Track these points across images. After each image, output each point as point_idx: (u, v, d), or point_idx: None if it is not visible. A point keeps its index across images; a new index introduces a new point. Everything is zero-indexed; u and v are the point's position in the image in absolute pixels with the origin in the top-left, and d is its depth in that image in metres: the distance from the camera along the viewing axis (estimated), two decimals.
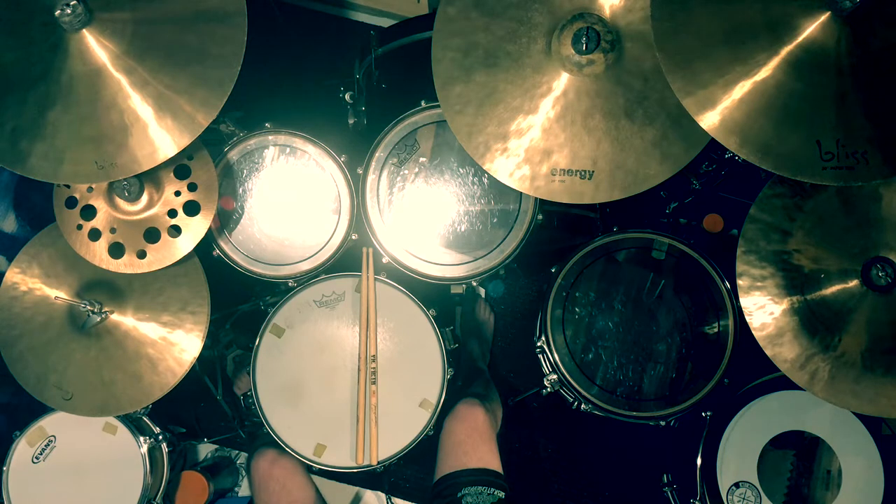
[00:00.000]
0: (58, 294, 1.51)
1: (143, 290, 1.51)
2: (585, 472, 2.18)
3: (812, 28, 1.12)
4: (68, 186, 1.45)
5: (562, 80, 1.30)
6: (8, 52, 1.26)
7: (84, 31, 1.24)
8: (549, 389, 1.65)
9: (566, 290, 1.61)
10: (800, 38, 1.13)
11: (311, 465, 1.58)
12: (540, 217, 1.56)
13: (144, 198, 1.45)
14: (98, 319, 1.48)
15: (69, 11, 1.20)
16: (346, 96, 1.89)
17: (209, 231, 1.49)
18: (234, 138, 1.60)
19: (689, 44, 1.16)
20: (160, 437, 1.71)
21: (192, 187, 1.46)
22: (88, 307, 1.45)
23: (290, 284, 1.61)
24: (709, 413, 1.65)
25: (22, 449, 1.64)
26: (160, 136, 1.28)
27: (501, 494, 1.44)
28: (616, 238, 1.62)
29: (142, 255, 1.44)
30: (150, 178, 1.44)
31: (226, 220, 1.60)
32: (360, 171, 1.58)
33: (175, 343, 1.49)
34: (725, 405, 1.64)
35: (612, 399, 1.57)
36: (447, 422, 1.58)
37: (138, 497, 1.64)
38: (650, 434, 1.65)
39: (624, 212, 1.93)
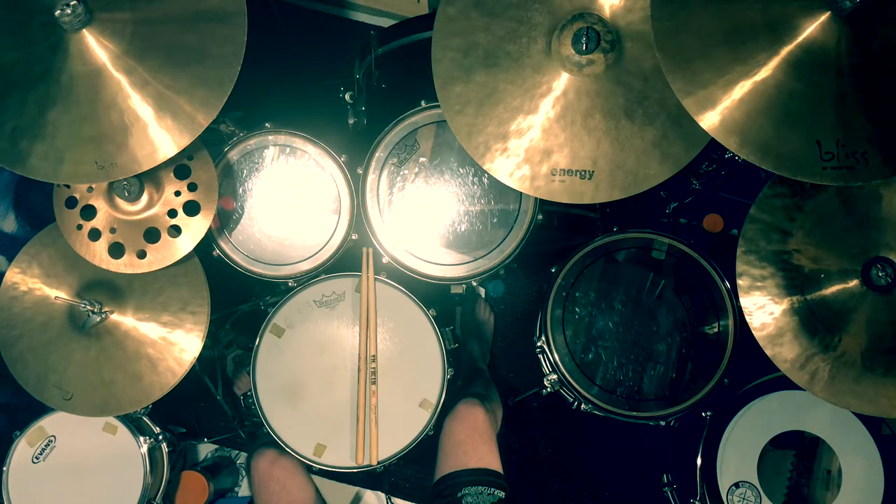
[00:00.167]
0: (58, 294, 1.51)
1: (143, 290, 1.51)
2: (585, 472, 2.18)
3: (812, 28, 1.12)
4: (68, 186, 1.45)
5: (562, 80, 1.30)
6: (8, 52, 1.26)
7: (84, 31, 1.24)
8: (549, 389, 1.65)
9: (566, 290, 1.61)
10: (800, 38, 1.13)
11: (311, 465, 1.58)
12: (540, 217, 1.56)
13: (144, 198, 1.45)
14: (98, 319, 1.48)
15: (69, 11, 1.20)
16: (346, 96, 1.89)
17: (209, 231, 1.49)
18: (234, 138, 1.60)
19: (689, 44, 1.16)
20: (160, 437, 1.71)
21: (192, 187, 1.46)
22: (88, 307, 1.45)
23: (290, 284, 1.61)
24: (709, 413, 1.65)
25: (22, 449, 1.64)
26: (160, 136, 1.28)
27: (501, 494, 1.44)
28: (616, 238, 1.62)
29: (142, 255, 1.44)
30: (150, 178, 1.44)
31: (226, 220, 1.60)
32: (360, 171, 1.58)
33: (175, 343, 1.49)
34: (725, 405, 1.64)
35: (612, 399, 1.57)
36: (447, 422, 1.58)
37: (138, 497, 1.64)
38: (650, 434, 1.65)
39: (624, 212, 1.93)
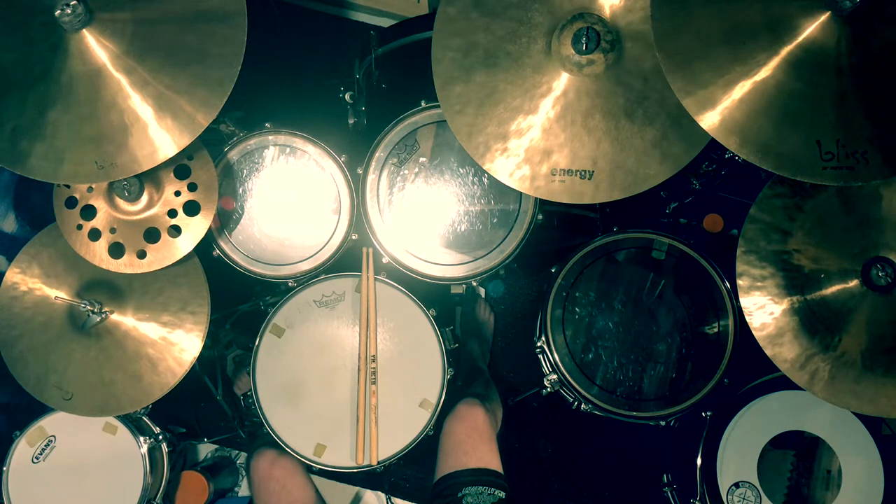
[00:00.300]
0: (58, 294, 1.51)
1: (143, 290, 1.51)
2: (585, 472, 2.18)
3: (812, 28, 1.12)
4: (68, 186, 1.45)
5: (562, 80, 1.30)
6: (8, 52, 1.26)
7: (84, 31, 1.24)
8: (549, 389, 1.65)
9: (566, 290, 1.61)
10: (800, 38, 1.13)
11: (311, 465, 1.58)
12: (540, 217, 1.56)
13: (144, 198, 1.45)
14: (98, 319, 1.48)
15: (69, 11, 1.20)
16: (346, 96, 1.89)
17: (209, 231, 1.49)
18: (234, 138, 1.60)
19: (689, 44, 1.16)
20: (160, 437, 1.71)
21: (192, 187, 1.46)
22: (88, 307, 1.45)
23: (290, 284, 1.61)
24: (709, 413, 1.65)
25: (22, 449, 1.64)
26: (160, 136, 1.28)
27: (502, 494, 1.44)
28: (616, 238, 1.62)
29: (142, 255, 1.44)
30: (150, 178, 1.44)
31: (226, 220, 1.60)
32: (360, 171, 1.58)
33: (175, 343, 1.49)
34: (725, 405, 1.64)
35: (612, 399, 1.57)
36: (447, 422, 1.58)
37: (138, 497, 1.64)
38: (650, 434, 1.65)
39: (624, 212, 1.93)
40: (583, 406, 1.64)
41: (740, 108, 1.14)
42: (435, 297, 1.71)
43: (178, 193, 1.46)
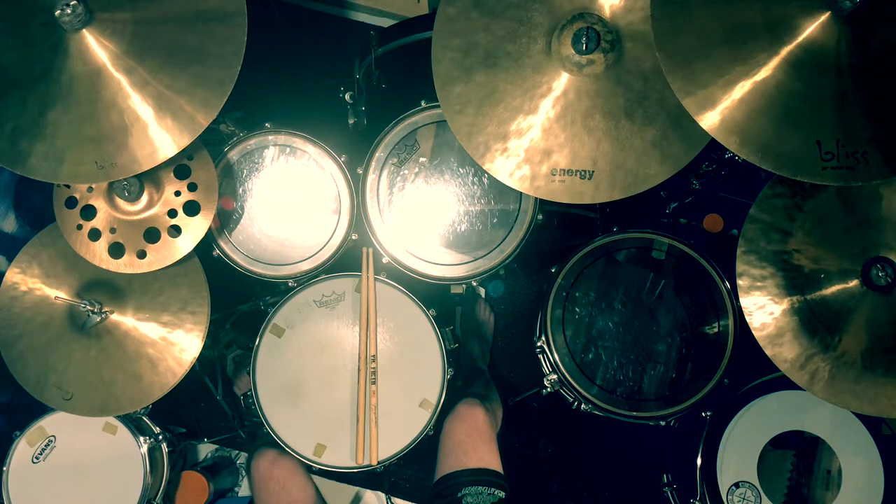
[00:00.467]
0: (58, 294, 1.51)
1: (143, 290, 1.51)
2: (585, 472, 2.18)
3: (812, 28, 1.12)
4: (68, 186, 1.45)
5: (562, 80, 1.30)
6: (8, 52, 1.26)
7: (84, 31, 1.24)
8: (549, 389, 1.65)
9: (566, 290, 1.61)
10: (800, 38, 1.13)
11: (311, 465, 1.58)
12: (540, 217, 1.56)
13: (144, 198, 1.45)
14: (98, 319, 1.48)
15: (69, 11, 1.20)
16: (346, 96, 1.89)
17: (209, 231, 1.49)
18: (234, 138, 1.60)
19: (689, 44, 1.16)
20: (160, 437, 1.71)
21: (192, 187, 1.46)
22: (88, 307, 1.45)
23: (290, 284, 1.61)
24: (709, 413, 1.65)
25: (22, 449, 1.64)
26: (160, 136, 1.28)
27: (502, 494, 1.44)
28: (616, 238, 1.62)
29: (142, 255, 1.44)
30: (150, 178, 1.44)
31: (226, 220, 1.60)
32: (360, 171, 1.58)
33: (175, 343, 1.49)
34: (725, 405, 1.64)
35: (612, 399, 1.57)
36: (447, 422, 1.58)
37: (138, 497, 1.64)
38: (650, 434, 1.65)
39: (624, 212, 1.93)
40: (583, 406, 1.64)
41: (740, 108, 1.14)
42: (435, 297, 1.71)
43: (178, 193, 1.46)
